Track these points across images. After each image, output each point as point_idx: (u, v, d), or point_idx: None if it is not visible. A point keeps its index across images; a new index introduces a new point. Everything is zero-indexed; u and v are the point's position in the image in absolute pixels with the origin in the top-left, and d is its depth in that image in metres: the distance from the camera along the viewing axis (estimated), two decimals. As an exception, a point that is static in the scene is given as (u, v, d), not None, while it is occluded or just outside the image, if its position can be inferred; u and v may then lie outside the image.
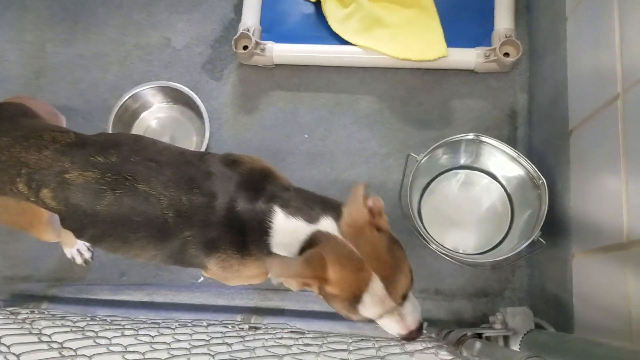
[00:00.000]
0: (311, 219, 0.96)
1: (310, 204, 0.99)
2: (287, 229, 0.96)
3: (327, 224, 0.95)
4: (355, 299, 0.89)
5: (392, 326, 0.96)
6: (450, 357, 0.98)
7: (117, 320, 1.16)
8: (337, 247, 0.91)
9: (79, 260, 1.60)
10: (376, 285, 0.89)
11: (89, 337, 0.89)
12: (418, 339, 1.01)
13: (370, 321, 0.96)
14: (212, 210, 0.98)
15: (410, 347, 1.01)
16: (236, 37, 1.66)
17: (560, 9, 1.36)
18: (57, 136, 1.06)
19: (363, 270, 0.89)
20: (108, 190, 0.98)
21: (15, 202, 1.08)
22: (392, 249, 0.93)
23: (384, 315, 0.93)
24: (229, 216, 0.97)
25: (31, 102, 1.31)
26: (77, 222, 1.02)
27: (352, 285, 0.89)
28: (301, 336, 1.07)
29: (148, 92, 1.67)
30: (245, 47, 1.66)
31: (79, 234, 1.06)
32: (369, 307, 0.90)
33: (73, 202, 1.00)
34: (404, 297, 0.94)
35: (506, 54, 1.57)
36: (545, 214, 1.27)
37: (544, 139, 1.44)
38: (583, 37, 1.23)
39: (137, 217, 0.98)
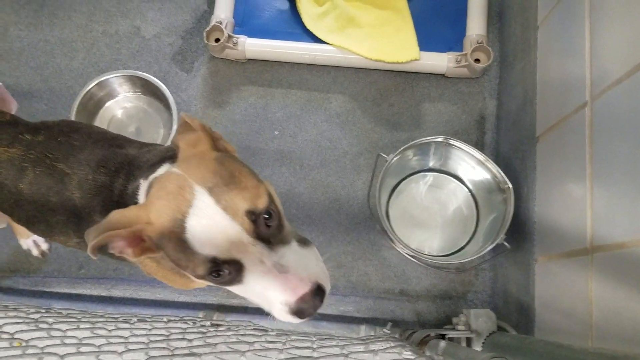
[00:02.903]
0: (150, 173, 0.83)
1: (155, 160, 0.88)
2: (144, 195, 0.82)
3: (162, 169, 0.82)
4: (180, 227, 0.67)
5: (266, 284, 0.69)
6: (413, 357, 0.97)
7: (73, 314, 1.12)
8: (161, 182, 0.73)
9: (35, 252, 1.54)
10: (202, 200, 0.67)
11: (42, 329, 0.85)
12: (311, 313, 0.70)
13: (229, 272, 0.69)
14: (110, 194, 0.90)
15: (374, 346, 1.00)
16: (208, 29, 1.63)
17: (531, 17, 1.38)
18: None
19: (185, 187, 0.69)
20: (29, 167, 0.94)
21: None
22: (226, 160, 0.73)
23: (240, 256, 0.68)
24: (121, 201, 0.87)
25: None
26: (5, 202, 0.98)
27: (171, 209, 0.68)
28: (264, 333, 1.05)
29: (115, 80, 1.62)
30: (217, 40, 1.63)
31: (11, 216, 1.01)
32: (200, 235, 0.67)
33: None
34: (273, 238, 0.71)
35: (477, 60, 1.58)
36: (510, 218, 1.29)
37: (511, 145, 1.46)
38: (553, 45, 1.25)
39: (54, 197, 0.93)
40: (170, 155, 0.90)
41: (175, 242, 0.69)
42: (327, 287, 0.72)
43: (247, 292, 0.73)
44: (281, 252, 0.70)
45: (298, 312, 0.69)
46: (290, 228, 0.77)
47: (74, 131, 1.00)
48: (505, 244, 1.29)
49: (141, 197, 0.84)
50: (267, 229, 0.70)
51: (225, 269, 0.69)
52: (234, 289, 0.74)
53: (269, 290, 0.69)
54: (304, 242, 0.77)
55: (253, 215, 0.68)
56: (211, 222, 0.67)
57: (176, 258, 0.70)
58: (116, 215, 0.72)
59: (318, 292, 0.70)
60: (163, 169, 0.82)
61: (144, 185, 0.84)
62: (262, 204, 0.70)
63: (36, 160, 0.94)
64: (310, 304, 0.69)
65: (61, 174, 0.93)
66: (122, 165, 0.92)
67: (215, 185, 0.68)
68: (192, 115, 0.79)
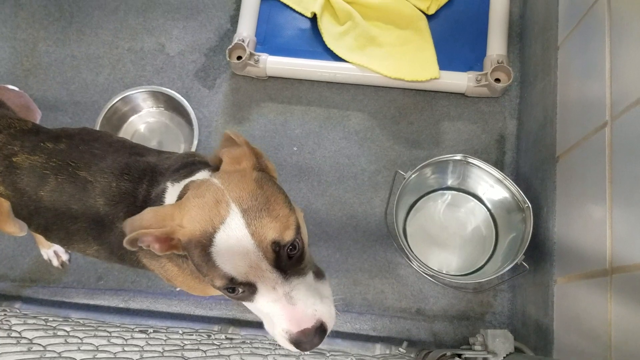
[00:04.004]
0: (188, 176, 0.88)
1: (193, 167, 0.92)
2: (173, 198, 0.87)
3: (201, 174, 0.86)
4: (208, 240, 0.71)
5: (273, 310, 0.73)
6: (428, 376, 0.96)
7: (91, 323, 1.13)
8: (200, 190, 0.76)
9: (55, 263, 1.57)
10: (234, 220, 0.70)
11: (59, 336, 0.87)
12: (314, 348, 0.74)
13: (242, 291, 0.73)
14: (134, 200, 0.93)
15: (389, 363, 0.99)
16: (230, 47, 1.66)
17: (552, 37, 1.38)
18: (13, 123, 1.06)
19: (222, 202, 0.72)
20: (51, 175, 0.96)
21: None
22: (265, 184, 0.76)
23: (256, 280, 0.71)
24: (144, 206, 0.87)
25: (5, 92, 1.29)
26: (24, 209, 1.00)
27: (205, 220, 0.72)
28: (278, 347, 1.04)
29: (139, 95, 1.66)
30: (239, 58, 1.66)
31: (29, 224, 1.03)
32: (224, 252, 0.70)
33: (19, 187, 0.98)
34: (291, 268, 0.73)
35: (497, 80, 1.58)
36: (529, 238, 1.27)
37: (531, 165, 1.45)
38: (574, 66, 1.24)
39: (75, 204, 0.95)
40: (192, 162, 0.92)
41: (200, 251, 0.72)
42: (330, 327, 0.75)
43: (255, 310, 0.77)
44: (294, 283, 0.73)
45: (296, 342, 0.72)
46: (309, 258, 0.79)
47: (95, 140, 1.03)
48: (524, 264, 1.27)
49: (168, 199, 0.87)
50: (288, 259, 0.73)
51: (240, 287, 0.73)
52: (245, 303, 0.77)
53: (275, 316, 0.73)
54: (319, 274, 0.80)
55: (277, 247, 0.71)
56: (237, 243, 0.70)
57: (198, 265, 0.73)
58: (150, 213, 0.75)
59: (319, 329, 0.73)
60: (201, 175, 0.85)
61: (172, 188, 0.88)
62: (288, 236, 0.72)
63: (58, 168, 0.96)
64: (309, 339, 0.72)
65: (84, 182, 0.95)
66: (144, 172, 0.95)
67: (249, 208, 0.71)
68: (236, 132, 0.82)
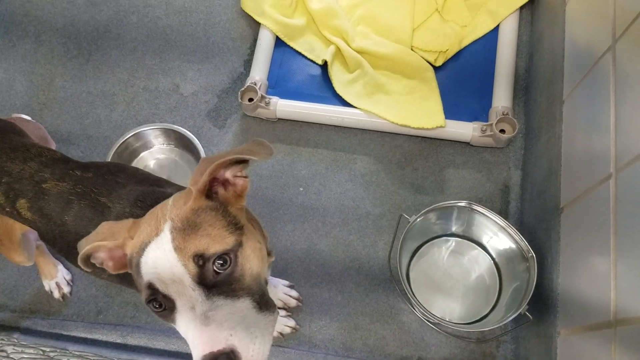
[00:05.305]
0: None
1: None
2: None
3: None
4: (142, 251, 0.71)
5: (188, 333, 0.67)
6: None
7: (89, 357, 1.12)
8: (158, 206, 0.78)
9: (56, 295, 1.56)
10: (164, 234, 0.70)
11: (57, 365, 0.86)
12: None
13: (164, 308, 0.70)
14: None
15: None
16: (243, 89, 1.71)
17: (557, 91, 1.42)
18: (43, 151, 1.10)
19: (162, 220, 0.72)
20: (75, 201, 0.98)
21: None
22: (203, 214, 0.73)
23: (175, 297, 0.69)
24: None
25: (25, 123, 1.32)
26: (49, 233, 1.02)
27: (146, 233, 0.72)
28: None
29: (151, 132, 1.70)
30: (250, 100, 1.70)
31: (53, 247, 1.05)
32: (150, 262, 0.70)
33: (46, 212, 1.00)
34: (219, 287, 0.69)
35: (502, 131, 1.61)
36: (533, 288, 1.27)
37: (535, 215, 1.46)
38: (578, 119, 1.27)
39: (93, 228, 0.94)
40: None
41: (136, 262, 0.72)
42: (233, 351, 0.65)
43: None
44: (217, 304, 0.67)
45: None
46: (255, 286, 0.73)
47: (121, 171, 1.06)
48: (527, 314, 1.26)
49: None
50: (215, 275, 0.69)
51: (162, 301, 0.70)
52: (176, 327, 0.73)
53: (189, 340, 0.67)
54: (267, 306, 0.74)
55: (200, 259, 0.68)
56: (162, 255, 0.69)
57: (135, 280, 0.73)
58: (106, 225, 0.77)
59: (228, 358, 0.64)
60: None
61: None
62: (214, 249, 0.69)
63: (82, 194, 0.99)
64: None
65: (103, 207, 0.97)
66: (157, 200, 0.96)
67: (178, 227, 0.71)
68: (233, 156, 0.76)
